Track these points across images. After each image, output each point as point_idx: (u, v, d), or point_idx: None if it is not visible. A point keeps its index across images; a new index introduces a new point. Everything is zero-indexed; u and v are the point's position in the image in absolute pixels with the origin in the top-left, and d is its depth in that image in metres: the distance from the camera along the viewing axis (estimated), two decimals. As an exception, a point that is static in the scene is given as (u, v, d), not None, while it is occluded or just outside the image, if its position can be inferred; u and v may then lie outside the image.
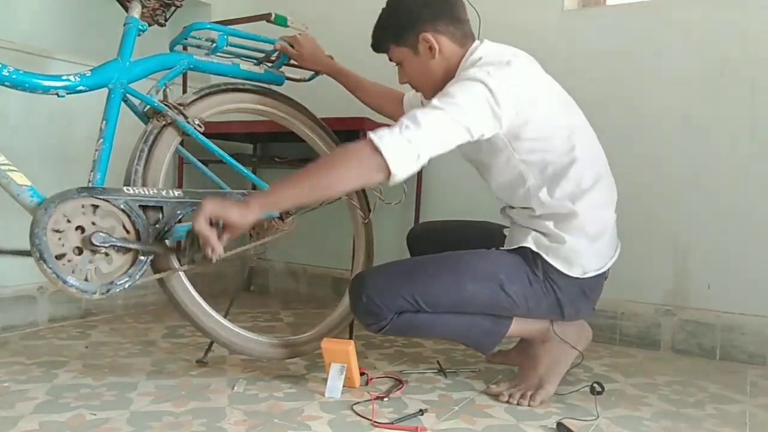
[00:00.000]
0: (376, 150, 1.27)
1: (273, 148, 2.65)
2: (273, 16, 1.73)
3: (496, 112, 1.34)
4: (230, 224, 1.28)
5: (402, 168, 1.28)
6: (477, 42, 1.50)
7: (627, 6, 2.06)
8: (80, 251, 1.29)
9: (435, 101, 1.34)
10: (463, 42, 1.50)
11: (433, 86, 1.50)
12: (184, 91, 2.29)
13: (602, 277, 1.50)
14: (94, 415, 1.29)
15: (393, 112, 1.83)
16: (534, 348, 1.55)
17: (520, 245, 1.46)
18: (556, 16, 2.13)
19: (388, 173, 1.28)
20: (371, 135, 1.30)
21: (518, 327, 1.52)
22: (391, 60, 1.56)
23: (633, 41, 2.01)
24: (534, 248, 1.44)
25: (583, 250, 1.44)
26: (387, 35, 1.52)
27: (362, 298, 1.43)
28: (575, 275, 1.44)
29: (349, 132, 2.01)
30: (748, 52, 1.87)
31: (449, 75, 1.46)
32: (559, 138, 1.44)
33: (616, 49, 2.04)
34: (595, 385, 1.43)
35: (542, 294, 1.45)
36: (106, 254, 1.31)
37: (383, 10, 1.54)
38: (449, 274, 1.44)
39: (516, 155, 1.44)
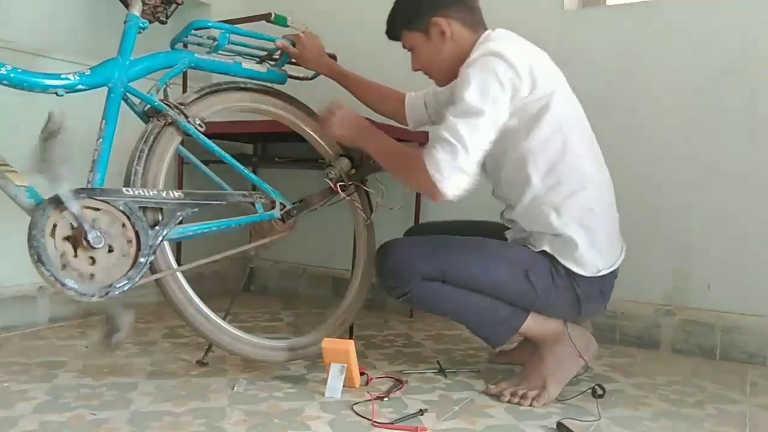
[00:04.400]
0: (430, 173, 1.35)
1: (273, 148, 2.65)
2: (273, 15, 1.73)
3: (515, 84, 1.39)
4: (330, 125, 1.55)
5: (453, 189, 1.36)
6: (489, 30, 1.54)
7: (627, 6, 2.06)
8: (79, 254, 1.28)
9: (468, 104, 1.36)
10: (475, 28, 1.53)
11: (446, 72, 1.55)
12: (184, 90, 2.28)
13: (614, 275, 1.54)
14: (94, 415, 1.29)
15: (394, 112, 1.85)
16: (540, 348, 1.54)
17: (539, 249, 1.48)
18: (556, 16, 2.13)
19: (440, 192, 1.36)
20: (424, 156, 1.36)
21: (533, 323, 1.52)
22: (404, 47, 1.59)
23: (633, 41, 2.01)
24: (549, 251, 1.47)
25: (592, 250, 1.46)
26: (400, 21, 1.55)
27: (388, 261, 1.50)
28: (590, 275, 1.47)
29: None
30: (748, 53, 1.87)
31: (461, 61, 1.47)
32: (568, 129, 1.47)
33: (616, 49, 2.04)
34: (596, 387, 1.43)
35: (563, 290, 1.48)
36: (105, 256, 1.31)
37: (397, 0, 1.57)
38: (477, 253, 1.49)
39: (525, 143, 1.44)
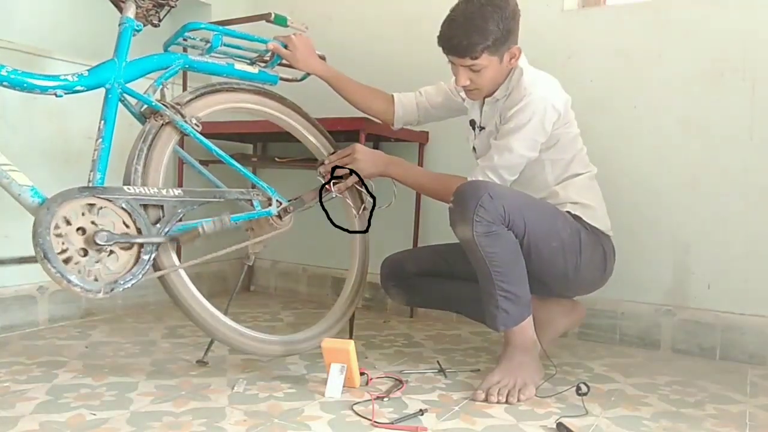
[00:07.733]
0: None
1: (273, 148, 2.65)
2: (272, 16, 1.73)
3: (555, 123, 1.61)
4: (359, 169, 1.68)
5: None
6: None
7: (627, 6, 2.06)
8: (84, 251, 1.29)
9: (514, 151, 1.59)
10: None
11: (491, 90, 1.67)
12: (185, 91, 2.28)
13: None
14: (94, 415, 1.29)
15: (381, 111, 1.89)
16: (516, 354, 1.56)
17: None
18: (556, 16, 2.13)
19: None
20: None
21: (525, 328, 1.54)
22: (471, 64, 1.59)
23: (633, 41, 2.01)
24: (573, 212, 1.63)
25: (601, 213, 1.69)
26: (486, 44, 1.56)
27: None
28: (607, 231, 1.68)
29: (347, 132, 2.01)
30: (748, 52, 1.86)
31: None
32: (574, 141, 1.69)
33: (616, 49, 2.04)
34: (580, 385, 1.43)
35: (594, 246, 1.63)
36: (110, 253, 1.32)
37: (482, 18, 1.55)
38: (535, 201, 1.64)
39: (544, 154, 1.64)
